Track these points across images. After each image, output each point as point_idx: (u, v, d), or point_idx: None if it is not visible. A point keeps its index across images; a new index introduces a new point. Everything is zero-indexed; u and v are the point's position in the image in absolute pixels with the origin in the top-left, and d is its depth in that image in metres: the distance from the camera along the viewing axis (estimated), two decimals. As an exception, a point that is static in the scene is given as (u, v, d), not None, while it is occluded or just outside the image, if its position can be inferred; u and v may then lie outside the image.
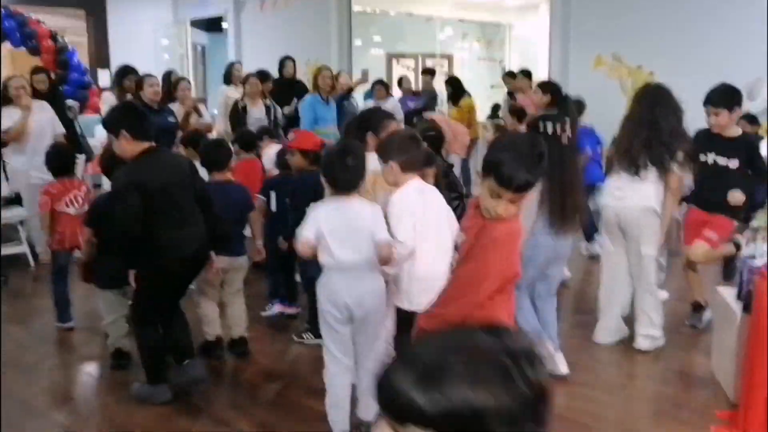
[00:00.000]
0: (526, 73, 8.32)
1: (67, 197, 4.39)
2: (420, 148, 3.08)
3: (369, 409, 2.95)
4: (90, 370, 3.97)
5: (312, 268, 3.37)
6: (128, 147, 3.27)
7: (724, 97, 4.02)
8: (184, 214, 3.33)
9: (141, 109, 3.58)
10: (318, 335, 4.05)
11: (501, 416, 0.79)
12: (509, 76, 8.79)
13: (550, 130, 3.36)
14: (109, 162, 3.73)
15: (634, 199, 3.91)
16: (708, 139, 4.12)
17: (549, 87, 5.77)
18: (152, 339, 3.41)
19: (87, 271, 3.90)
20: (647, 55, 7.87)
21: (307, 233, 2.79)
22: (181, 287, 3.52)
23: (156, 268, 3.28)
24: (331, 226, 2.78)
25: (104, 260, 3.74)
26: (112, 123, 3.34)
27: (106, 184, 5.56)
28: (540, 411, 0.84)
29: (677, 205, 4.16)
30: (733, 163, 4.05)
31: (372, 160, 3.04)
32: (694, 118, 4.03)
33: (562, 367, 3.65)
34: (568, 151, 3.43)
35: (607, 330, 4.14)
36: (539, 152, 2.21)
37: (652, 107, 3.89)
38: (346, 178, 2.83)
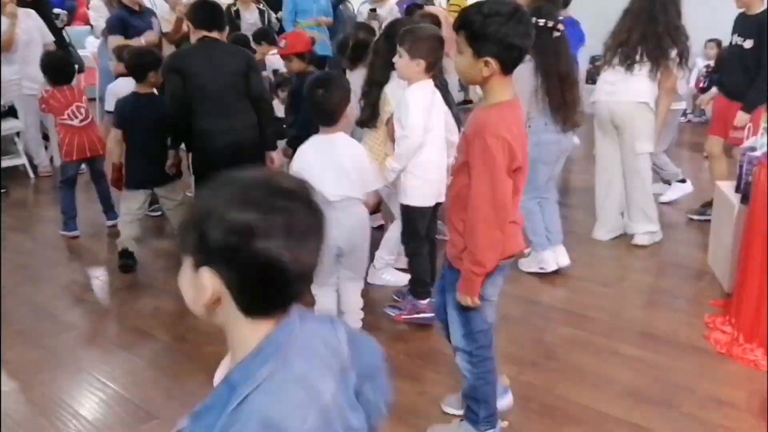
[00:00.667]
0: None
1: (69, 110, 4.34)
2: (443, 50, 3.04)
3: (355, 319, 3.04)
4: (98, 273, 4.04)
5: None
6: (192, 36, 3.57)
7: None
8: (223, 104, 3.39)
9: (210, 1, 3.61)
10: None
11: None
12: None
13: (542, 22, 3.28)
14: (134, 61, 3.86)
15: (627, 94, 3.86)
16: (737, 20, 4.07)
17: None
18: None
19: (117, 174, 3.92)
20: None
21: (295, 168, 2.80)
22: None
23: (198, 153, 3.53)
24: (316, 162, 2.77)
25: (134, 161, 3.81)
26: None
27: (102, 97, 5.52)
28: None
29: (670, 104, 4.12)
30: (748, 44, 3.99)
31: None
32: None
33: (564, 259, 3.73)
34: (562, 42, 3.36)
35: (605, 227, 4.19)
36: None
37: (667, 6, 3.79)
38: (323, 112, 2.79)
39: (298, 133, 3.88)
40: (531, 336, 3.13)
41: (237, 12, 6.25)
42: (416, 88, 2.94)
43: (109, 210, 4.60)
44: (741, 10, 4.08)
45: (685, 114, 7.19)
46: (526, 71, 3.35)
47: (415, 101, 2.92)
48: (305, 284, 0.95)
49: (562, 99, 3.35)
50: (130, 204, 3.91)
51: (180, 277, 0.96)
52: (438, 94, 3.07)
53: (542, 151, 3.43)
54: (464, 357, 2.24)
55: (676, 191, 4.78)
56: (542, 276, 3.68)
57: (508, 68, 1.90)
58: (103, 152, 4.42)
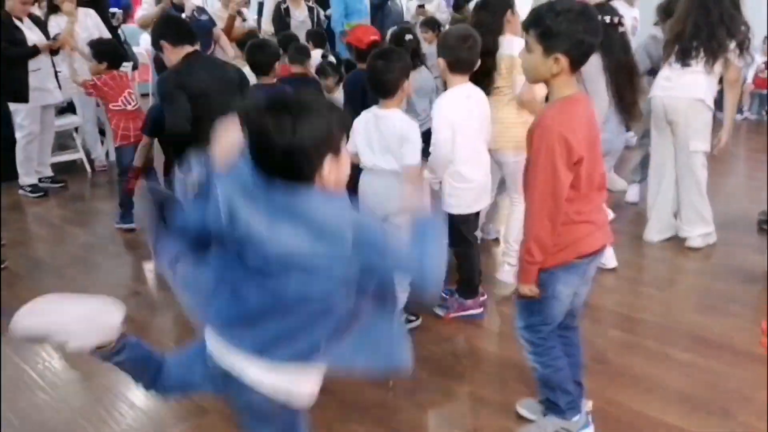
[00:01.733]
0: None
1: (122, 96, 4.46)
2: (474, 48, 2.98)
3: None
4: (153, 267, 4.14)
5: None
6: (171, 56, 3.38)
7: None
8: (224, 114, 3.36)
9: (175, 16, 3.63)
10: None
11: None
12: None
13: (607, 19, 3.25)
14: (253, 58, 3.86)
15: (683, 89, 3.76)
16: None
17: None
18: None
19: (137, 177, 3.97)
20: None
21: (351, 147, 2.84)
22: None
23: None
24: (365, 133, 2.82)
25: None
26: (153, 38, 3.48)
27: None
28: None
29: (738, 96, 4.01)
30: None
31: (515, 43, 3.08)
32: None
33: (612, 261, 3.68)
34: (626, 38, 3.38)
35: (657, 228, 4.11)
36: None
37: None
38: (380, 83, 2.82)
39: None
40: (581, 338, 3.09)
41: (287, 10, 6.32)
42: (442, 102, 2.95)
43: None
44: None
45: (741, 111, 7.00)
46: (594, 69, 3.34)
47: (441, 115, 2.92)
48: None
49: (633, 94, 3.38)
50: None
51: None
52: (476, 97, 3.03)
53: (617, 144, 3.50)
54: (528, 347, 2.23)
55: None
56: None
57: (575, 65, 1.92)
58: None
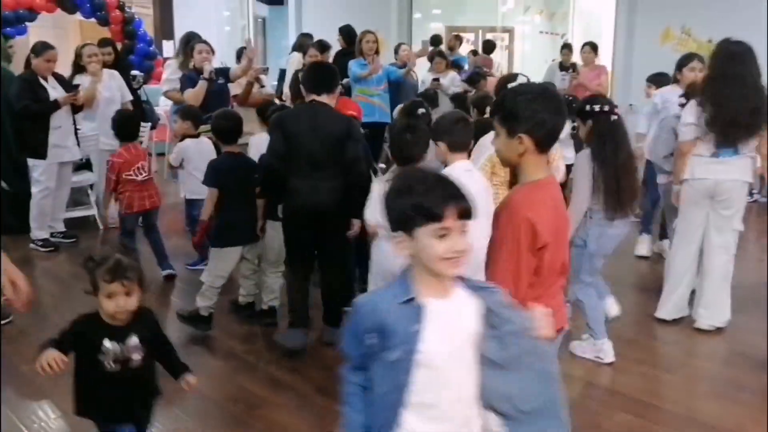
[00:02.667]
0: (593, 46, 7.88)
1: (135, 167, 4.59)
2: (467, 128, 3.12)
3: None
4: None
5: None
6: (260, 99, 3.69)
7: None
8: (314, 165, 3.47)
9: (320, 67, 3.89)
10: None
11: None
12: (566, 48, 8.57)
13: (597, 107, 3.30)
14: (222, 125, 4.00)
15: (739, 172, 3.76)
16: None
17: None
18: (293, 286, 3.68)
19: (204, 234, 3.96)
20: (717, 29, 7.56)
21: (370, 216, 2.93)
22: (316, 239, 3.62)
23: (285, 209, 3.62)
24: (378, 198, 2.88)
25: (228, 220, 3.82)
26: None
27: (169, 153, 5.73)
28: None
29: None
30: None
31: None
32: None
33: (614, 309, 3.72)
34: (620, 127, 3.34)
35: (674, 305, 4.05)
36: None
37: (755, 67, 3.66)
38: (408, 154, 2.99)
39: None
40: (586, 420, 3.02)
41: (304, 78, 6.48)
42: (449, 170, 2.97)
43: (164, 260, 4.83)
44: None
45: (751, 194, 7.00)
46: (582, 158, 3.37)
47: None
48: None
49: (616, 186, 3.29)
50: (224, 264, 3.85)
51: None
52: (476, 175, 3.06)
53: (605, 243, 3.45)
54: None
55: None
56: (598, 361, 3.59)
57: (542, 145, 1.92)
58: (159, 204, 4.74)
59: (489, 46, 9.61)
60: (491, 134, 3.21)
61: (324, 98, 3.53)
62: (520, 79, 3.25)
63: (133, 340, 2.16)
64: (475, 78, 7.25)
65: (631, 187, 3.36)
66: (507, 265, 1.89)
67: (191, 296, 4.01)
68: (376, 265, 3.12)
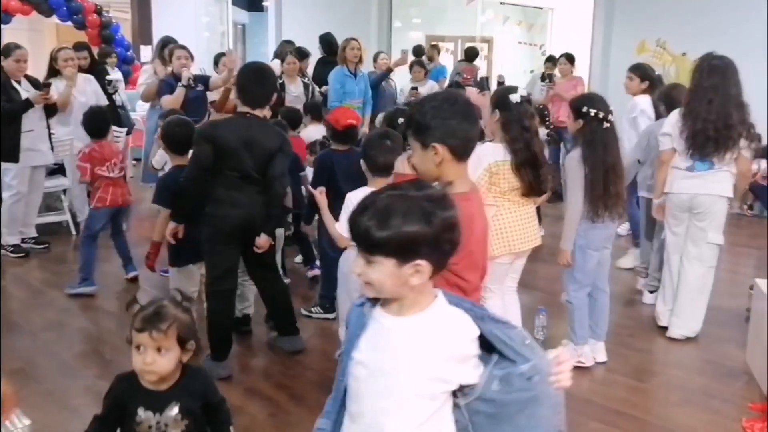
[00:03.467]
0: (569, 57, 7.97)
1: (108, 163, 4.58)
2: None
3: None
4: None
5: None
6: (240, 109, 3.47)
7: None
8: (249, 179, 3.38)
9: (260, 80, 3.52)
10: (328, 310, 4.12)
11: (426, 239, 1.30)
12: (550, 61, 8.61)
13: (593, 112, 3.32)
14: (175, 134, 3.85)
15: (715, 187, 3.79)
16: None
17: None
18: (217, 313, 3.48)
19: (156, 254, 3.86)
20: (692, 42, 7.70)
21: (342, 228, 2.85)
22: (243, 255, 3.52)
23: (208, 223, 3.40)
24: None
25: (185, 237, 3.60)
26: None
27: (146, 157, 5.68)
28: (450, 237, 1.34)
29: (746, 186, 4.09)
30: None
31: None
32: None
33: (601, 356, 3.68)
34: (611, 133, 3.38)
35: (684, 322, 3.97)
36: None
37: (735, 83, 3.70)
38: (383, 164, 2.92)
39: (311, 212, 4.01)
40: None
41: (282, 85, 6.46)
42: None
43: (128, 263, 4.83)
44: None
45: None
46: (573, 160, 3.40)
47: None
48: None
49: (604, 190, 3.33)
50: (188, 282, 3.72)
51: None
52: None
53: (594, 237, 3.45)
54: None
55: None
56: (577, 367, 3.61)
57: (458, 153, 1.88)
58: (131, 203, 4.75)
59: (472, 54, 9.56)
60: (487, 144, 3.25)
61: (258, 112, 3.43)
62: (521, 92, 3.21)
63: (173, 410, 1.81)
64: (454, 86, 7.30)
65: (618, 192, 3.39)
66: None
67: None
68: (343, 278, 3.05)
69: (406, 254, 1.31)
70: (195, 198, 3.42)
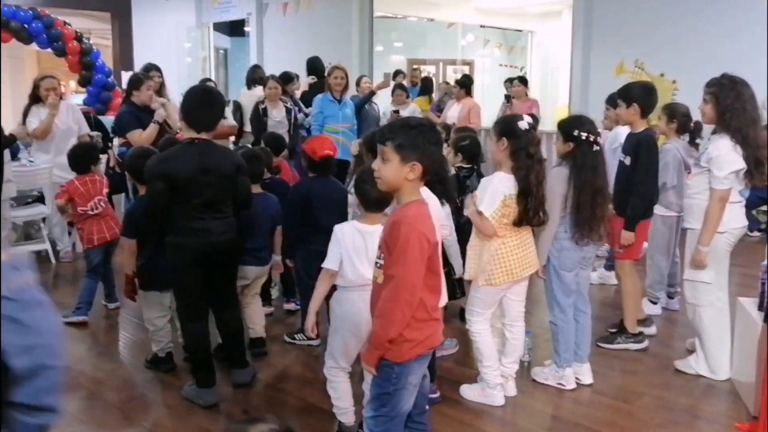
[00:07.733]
0: (522, 80, 8.65)
1: (92, 201, 4.54)
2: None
3: None
4: (109, 366, 4.00)
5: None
6: (187, 133, 3.38)
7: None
8: (210, 206, 3.29)
9: (205, 103, 3.41)
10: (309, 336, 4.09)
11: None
12: (509, 82, 9.23)
13: (584, 135, 3.34)
14: (134, 166, 3.82)
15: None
16: (625, 138, 4.17)
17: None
18: (191, 340, 3.46)
19: (132, 284, 3.76)
20: (670, 64, 7.83)
21: (332, 264, 2.81)
22: (208, 280, 3.41)
23: (173, 251, 3.34)
24: (353, 249, 2.80)
25: (155, 263, 3.64)
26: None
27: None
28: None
29: None
30: (627, 161, 3.99)
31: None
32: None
33: (587, 378, 3.67)
34: (600, 157, 3.39)
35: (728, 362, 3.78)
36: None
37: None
38: (380, 199, 2.76)
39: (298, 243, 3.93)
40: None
41: (265, 110, 6.47)
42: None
43: (112, 293, 4.83)
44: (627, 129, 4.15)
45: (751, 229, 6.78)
46: (557, 177, 3.41)
47: None
48: None
49: (591, 213, 3.34)
50: (153, 313, 3.77)
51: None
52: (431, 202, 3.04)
53: (563, 257, 3.45)
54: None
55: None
56: (560, 389, 3.60)
57: (427, 173, 2.21)
58: (120, 234, 4.53)
59: (466, 82, 9.41)
60: (499, 175, 3.25)
61: (204, 135, 3.33)
62: (527, 119, 3.22)
63: None
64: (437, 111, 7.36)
65: (603, 215, 3.41)
66: (414, 272, 2.13)
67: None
68: (339, 320, 2.91)
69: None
70: (156, 232, 3.46)
